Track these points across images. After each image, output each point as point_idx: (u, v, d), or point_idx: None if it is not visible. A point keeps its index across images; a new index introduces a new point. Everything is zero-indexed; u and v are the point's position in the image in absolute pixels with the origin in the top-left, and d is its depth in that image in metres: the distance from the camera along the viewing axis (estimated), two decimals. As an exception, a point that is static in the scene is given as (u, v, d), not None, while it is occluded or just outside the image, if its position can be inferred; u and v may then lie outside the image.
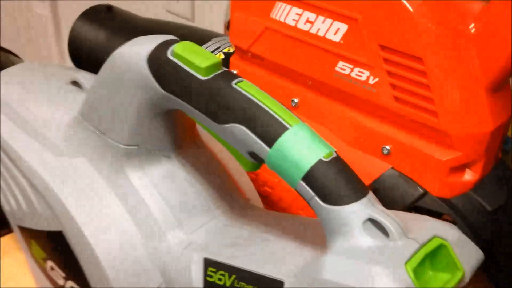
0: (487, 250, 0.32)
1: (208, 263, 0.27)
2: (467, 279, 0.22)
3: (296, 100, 0.38)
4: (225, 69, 0.26)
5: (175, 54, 0.26)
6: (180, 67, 0.26)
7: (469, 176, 0.32)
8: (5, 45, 0.57)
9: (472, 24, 0.30)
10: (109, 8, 0.56)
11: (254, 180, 0.40)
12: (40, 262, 0.35)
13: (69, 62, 0.60)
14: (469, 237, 0.25)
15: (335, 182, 0.22)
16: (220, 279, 0.26)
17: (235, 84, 0.25)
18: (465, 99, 0.31)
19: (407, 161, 0.33)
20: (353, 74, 0.33)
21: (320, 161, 0.23)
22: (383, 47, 0.32)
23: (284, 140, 0.23)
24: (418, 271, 0.21)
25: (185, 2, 0.78)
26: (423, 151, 0.32)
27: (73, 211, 0.30)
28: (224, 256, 0.27)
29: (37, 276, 0.38)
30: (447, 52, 0.30)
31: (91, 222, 0.29)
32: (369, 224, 0.22)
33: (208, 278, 0.27)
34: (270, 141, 0.24)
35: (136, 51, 0.28)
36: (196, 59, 0.26)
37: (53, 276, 0.34)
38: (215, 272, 0.26)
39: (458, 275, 0.21)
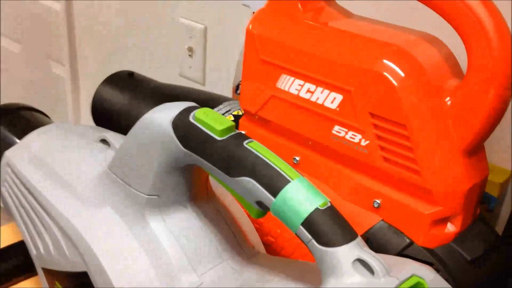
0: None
1: (218, 303, 0.30)
2: (441, 314, 0.25)
3: (297, 158, 0.43)
4: (238, 131, 0.31)
5: (196, 118, 0.31)
6: (200, 129, 0.31)
7: (450, 229, 0.36)
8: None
9: (448, 98, 0.35)
10: (130, 74, 0.63)
11: (258, 230, 0.44)
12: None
13: (83, 122, 0.65)
14: (450, 284, 0.28)
15: (329, 227, 0.26)
16: (228, 315, 0.30)
17: (246, 144, 0.30)
18: (443, 160, 0.35)
19: (395, 214, 0.37)
20: (347, 137, 0.38)
21: (317, 209, 0.27)
22: (372, 115, 0.37)
23: (287, 191, 0.28)
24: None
25: (197, 68, 0.85)
26: (409, 205, 0.36)
27: (98, 253, 0.33)
28: (232, 294, 0.30)
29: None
30: (427, 120, 0.35)
31: (114, 264, 0.33)
32: (357, 263, 0.26)
33: (217, 316, 0.30)
34: (274, 192, 0.28)
35: (162, 116, 0.33)
36: (214, 123, 0.31)
37: (74, 315, 0.37)
38: (224, 311, 0.30)
39: (433, 309, 0.25)
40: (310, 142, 0.41)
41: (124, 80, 0.61)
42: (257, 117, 0.45)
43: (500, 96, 0.33)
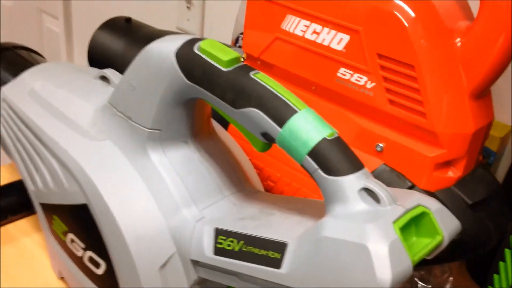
0: (469, 244, 0.36)
1: (219, 232, 0.30)
2: (445, 243, 0.25)
3: (300, 103, 0.42)
4: (244, 62, 0.30)
5: (201, 49, 0.30)
6: (205, 60, 0.30)
7: (452, 173, 0.36)
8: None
9: (458, 39, 0.35)
10: (127, 20, 0.61)
11: (258, 174, 0.44)
12: (60, 236, 0.38)
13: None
14: None
15: (336, 157, 0.26)
16: (229, 245, 0.30)
17: (253, 75, 0.29)
18: (450, 103, 0.35)
19: (398, 157, 0.37)
20: (352, 79, 0.38)
21: (324, 139, 0.26)
22: (380, 56, 0.36)
23: (294, 122, 0.27)
24: (405, 235, 0.25)
25: (195, 21, 0.83)
26: (412, 149, 0.36)
27: (99, 185, 0.33)
28: (233, 226, 0.30)
29: (53, 252, 0.40)
30: (436, 61, 0.35)
31: (114, 196, 0.33)
32: (363, 192, 0.25)
33: (218, 245, 0.30)
34: (281, 122, 0.28)
35: (166, 46, 0.32)
36: (219, 53, 0.30)
37: (72, 248, 0.37)
38: (225, 240, 0.30)
39: (438, 238, 0.25)
40: (313, 87, 0.41)
41: (121, 26, 0.59)
42: (259, 62, 0.44)
43: (510, 39, 0.32)
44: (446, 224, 0.25)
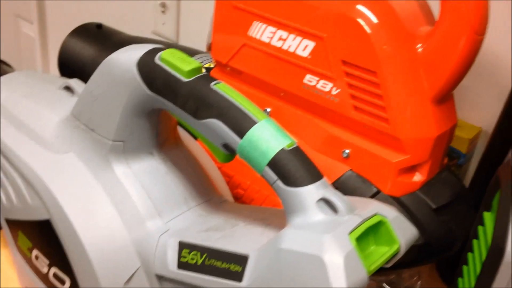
0: (435, 247, 0.36)
1: (183, 246, 0.30)
2: (402, 252, 0.26)
3: (268, 110, 0.42)
4: (205, 72, 0.30)
5: (162, 59, 0.30)
6: (166, 70, 0.30)
7: (416, 177, 0.37)
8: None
9: (420, 44, 0.35)
10: (98, 26, 0.60)
11: (228, 183, 0.44)
12: (25, 252, 0.38)
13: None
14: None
15: (295, 167, 0.26)
16: (192, 259, 0.29)
17: (214, 85, 0.29)
18: (412, 108, 0.35)
19: (363, 163, 0.37)
20: (318, 86, 0.38)
21: (283, 150, 0.26)
22: (344, 62, 0.36)
23: (253, 132, 0.27)
24: (362, 245, 0.25)
25: (170, 25, 0.82)
26: (377, 154, 0.36)
27: (61, 200, 0.33)
28: (197, 239, 0.30)
29: (20, 269, 0.40)
30: (398, 67, 0.35)
31: (77, 210, 0.32)
32: (321, 203, 0.25)
33: (182, 259, 0.30)
34: (241, 133, 0.28)
35: (127, 56, 0.31)
36: (180, 64, 0.30)
37: (37, 265, 0.37)
38: (188, 253, 0.30)
39: (395, 247, 0.25)
40: (282, 94, 0.41)
41: (92, 32, 0.59)
42: (228, 68, 0.44)
43: (471, 41, 0.33)
44: (403, 232, 0.26)
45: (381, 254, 0.25)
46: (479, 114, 0.51)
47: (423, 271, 0.41)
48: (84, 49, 0.57)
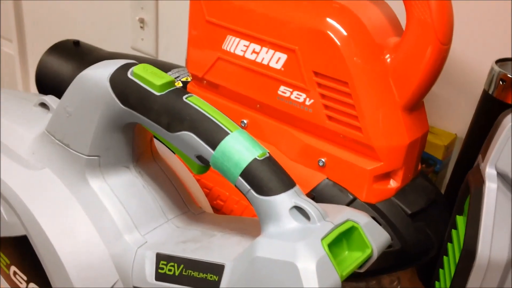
0: (411, 253, 0.37)
1: (160, 258, 0.30)
2: (375, 256, 0.26)
3: (245, 121, 0.43)
4: (178, 86, 0.31)
5: (134, 74, 0.31)
6: (139, 85, 0.30)
7: (391, 184, 0.37)
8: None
9: (388, 55, 0.36)
10: (76, 43, 0.61)
11: (207, 194, 0.44)
12: (3, 269, 0.37)
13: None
14: (392, 237, 0.29)
15: (267, 176, 0.26)
16: (170, 270, 0.29)
17: (186, 98, 0.30)
18: (384, 117, 0.36)
19: (339, 171, 0.38)
20: (292, 97, 0.39)
21: (255, 160, 0.27)
22: (316, 73, 0.37)
23: (225, 144, 0.28)
24: (335, 251, 0.25)
25: (149, 40, 0.83)
26: (352, 162, 0.37)
27: (37, 216, 0.32)
28: (174, 251, 0.30)
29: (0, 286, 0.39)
30: (368, 77, 0.36)
31: (54, 225, 0.32)
32: (294, 210, 0.26)
33: (160, 271, 0.30)
34: (213, 145, 0.28)
35: (99, 72, 0.32)
36: (152, 78, 0.30)
37: (15, 281, 0.36)
38: (166, 265, 0.30)
39: (367, 252, 0.26)
40: (258, 105, 0.41)
41: (69, 49, 0.59)
42: (205, 81, 0.44)
43: (438, 51, 0.34)
44: (375, 237, 0.26)
45: (354, 259, 0.25)
46: (454, 121, 0.52)
47: (402, 276, 0.41)
48: (61, 66, 0.58)
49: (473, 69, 0.49)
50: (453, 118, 0.52)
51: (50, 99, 0.40)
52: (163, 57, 0.83)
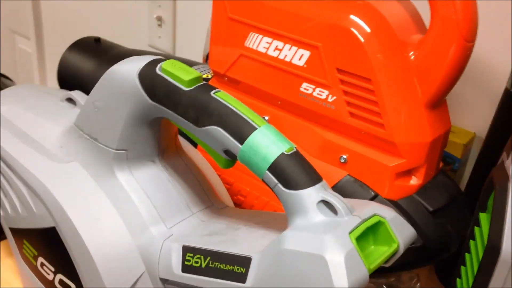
0: (432, 249, 0.37)
1: (186, 250, 0.31)
2: (401, 251, 0.26)
3: (266, 118, 0.43)
4: (205, 82, 0.31)
5: (162, 70, 0.31)
6: (167, 80, 0.31)
7: (413, 181, 0.38)
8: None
9: (412, 52, 0.36)
10: (97, 40, 0.62)
11: (228, 190, 0.44)
12: (30, 260, 0.38)
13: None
14: None
15: (294, 171, 0.27)
16: (196, 262, 0.30)
17: (214, 93, 0.30)
18: (407, 114, 0.36)
19: (361, 168, 0.38)
20: (315, 94, 0.39)
21: (283, 154, 0.27)
22: (339, 70, 0.37)
23: (253, 138, 0.28)
24: (362, 245, 0.26)
25: (166, 38, 0.84)
26: (374, 159, 0.37)
27: (66, 208, 0.33)
28: (200, 243, 0.31)
29: (25, 277, 0.40)
30: (392, 74, 0.36)
31: (82, 217, 0.33)
32: (321, 205, 0.26)
33: (186, 263, 0.30)
34: (241, 139, 0.28)
35: (129, 68, 0.32)
36: (180, 74, 0.31)
37: (43, 272, 0.37)
38: (192, 257, 0.30)
39: (394, 246, 0.26)
40: (279, 102, 0.42)
41: (90, 46, 0.60)
42: (226, 78, 0.45)
43: (462, 48, 0.34)
44: (401, 232, 0.26)
45: (380, 253, 0.26)
46: (472, 120, 0.52)
47: (421, 273, 0.42)
48: (83, 63, 0.58)
49: (494, 67, 0.49)
50: (472, 116, 0.52)
51: (77, 94, 0.40)
52: (179, 54, 0.84)
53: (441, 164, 0.40)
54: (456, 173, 0.51)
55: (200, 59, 0.78)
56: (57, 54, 1.07)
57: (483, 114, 0.50)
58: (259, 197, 0.43)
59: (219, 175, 0.44)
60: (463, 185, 0.53)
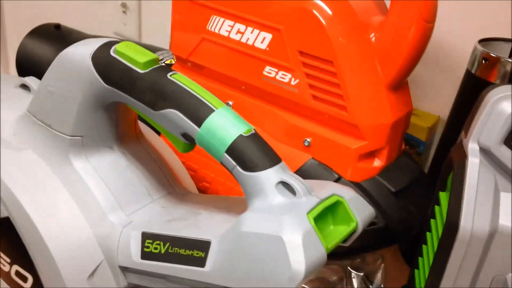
0: (395, 230, 0.37)
1: (146, 236, 0.30)
2: (360, 230, 0.26)
3: (230, 103, 0.42)
4: (162, 64, 0.30)
5: (117, 52, 0.30)
6: (122, 62, 0.30)
7: (376, 163, 0.38)
8: None
9: (373, 34, 0.36)
10: (57, 26, 0.59)
11: (193, 177, 0.44)
12: (-14, 253, 0.37)
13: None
14: (377, 215, 0.29)
15: (253, 153, 0.26)
16: (156, 248, 0.29)
17: (170, 76, 0.29)
18: (369, 95, 0.36)
19: (324, 151, 0.38)
20: (278, 77, 0.38)
21: (241, 136, 0.27)
22: (301, 53, 0.37)
23: (211, 120, 0.27)
24: (321, 225, 0.25)
25: (132, 25, 0.82)
26: (337, 142, 0.37)
27: (20, 197, 0.32)
28: (160, 229, 0.30)
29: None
30: (353, 56, 0.36)
31: (37, 206, 0.32)
32: (280, 186, 0.26)
33: (146, 249, 0.30)
34: (199, 122, 0.28)
35: (81, 50, 0.31)
36: (136, 56, 0.30)
37: (-1, 265, 0.36)
38: (151, 243, 0.30)
39: (352, 225, 0.26)
40: (243, 87, 0.41)
41: (50, 32, 0.58)
42: (189, 63, 0.44)
43: (422, 29, 0.34)
44: (360, 211, 0.26)
45: (339, 232, 0.26)
46: (437, 103, 0.52)
47: (386, 254, 0.42)
48: (42, 49, 0.56)
49: (456, 50, 0.49)
50: (436, 100, 0.53)
51: (31, 80, 0.39)
52: (145, 41, 0.82)
53: (404, 146, 0.41)
54: (422, 156, 0.52)
55: (167, 46, 0.77)
56: (19, 40, 1.03)
57: (447, 97, 0.51)
58: (224, 183, 0.42)
59: (183, 162, 0.43)
60: (427, 166, 0.54)
